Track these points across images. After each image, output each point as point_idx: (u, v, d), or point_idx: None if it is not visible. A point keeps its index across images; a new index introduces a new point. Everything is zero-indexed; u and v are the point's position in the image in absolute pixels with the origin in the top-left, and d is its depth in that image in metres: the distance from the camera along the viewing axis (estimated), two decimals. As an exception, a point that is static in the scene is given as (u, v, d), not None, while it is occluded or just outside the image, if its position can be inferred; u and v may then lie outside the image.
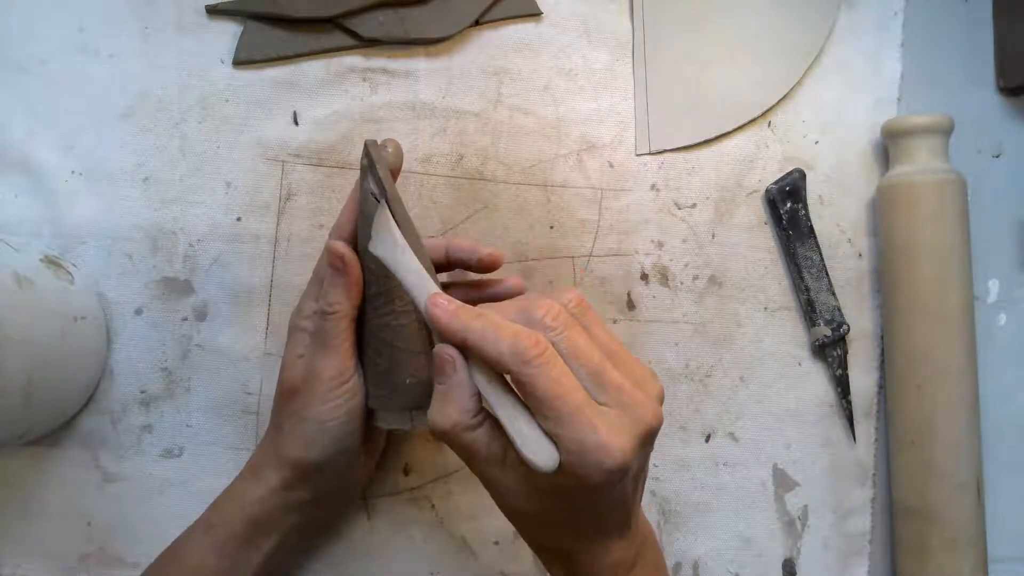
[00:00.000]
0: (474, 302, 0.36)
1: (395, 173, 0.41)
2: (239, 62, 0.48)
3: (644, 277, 0.50)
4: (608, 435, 0.30)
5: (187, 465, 0.47)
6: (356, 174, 0.41)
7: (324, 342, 0.39)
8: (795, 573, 0.50)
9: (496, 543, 0.48)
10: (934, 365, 0.47)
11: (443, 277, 0.45)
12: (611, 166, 0.50)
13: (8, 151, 0.46)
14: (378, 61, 0.49)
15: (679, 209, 0.51)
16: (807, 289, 0.50)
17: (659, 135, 0.50)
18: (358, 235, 0.39)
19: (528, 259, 0.49)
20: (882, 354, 0.51)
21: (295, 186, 0.48)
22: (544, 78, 0.50)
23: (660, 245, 0.50)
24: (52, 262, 0.44)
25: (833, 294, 0.50)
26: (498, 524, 0.47)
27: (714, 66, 0.51)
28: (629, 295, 0.50)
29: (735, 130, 0.51)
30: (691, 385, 0.50)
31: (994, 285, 0.52)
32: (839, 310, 0.50)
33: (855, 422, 0.51)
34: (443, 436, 0.33)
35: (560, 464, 0.31)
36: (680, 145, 0.51)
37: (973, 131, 0.52)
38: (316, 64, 0.48)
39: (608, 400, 0.31)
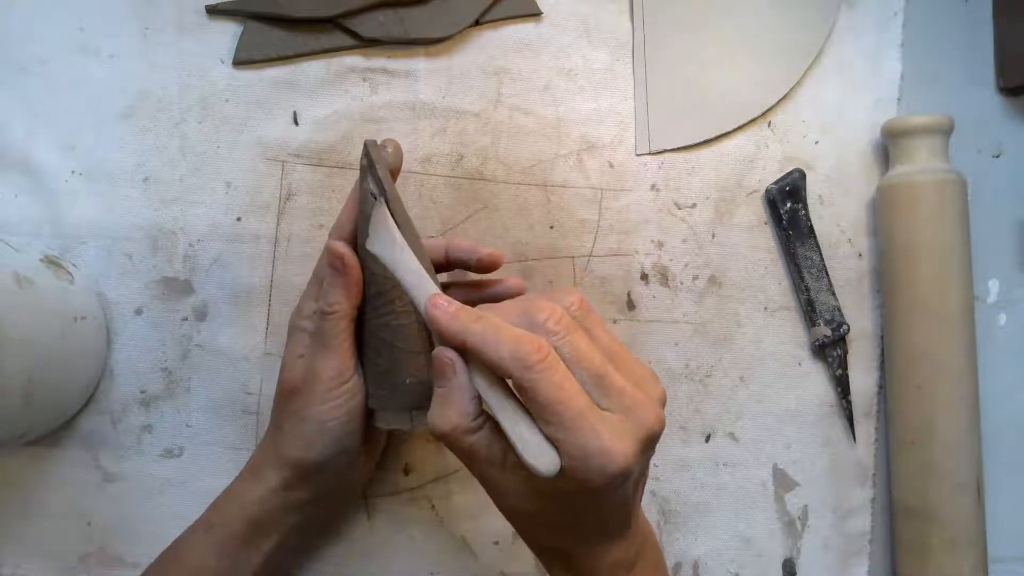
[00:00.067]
0: (474, 302, 0.35)
1: (395, 173, 0.41)
2: (239, 62, 0.48)
3: (644, 277, 0.50)
4: (611, 440, 0.30)
5: (187, 465, 0.47)
6: (356, 174, 0.41)
7: (324, 342, 0.39)
8: (795, 573, 0.50)
9: (496, 543, 0.48)
10: (934, 365, 0.47)
11: (443, 277, 0.45)
12: (611, 166, 0.50)
13: (8, 151, 0.46)
14: (378, 61, 0.49)
15: (679, 209, 0.51)
16: (807, 289, 0.50)
17: (659, 135, 0.50)
18: (358, 235, 0.39)
19: (528, 259, 0.49)
20: (882, 354, 0.51)
21: (295, 186, 0.48)
22: (544, 78, 0.50)
23: (660, 245, 0.50)
24: (52, 262, 0.44)
25: (833, 294, 0.50)
26: (498, 524, 0.47)
27: (714, 66, 0.51)
28: (629, 295, 0.50)
29: (735, 130, 0.51)
30: (691, 385, 0.50)
31: (994, 285, 0.52)
32: (839, 310, 0.50)
33: (855, 422, 0.51)
34: (443, 439, 0.33)
35: (562, 469, 0.31)
36: (680, 145, 0.51)
37: (973, 131, 0.52)
38: (316, 64, 0.48)
39: (610, 404, 0.31)
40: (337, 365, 0.39)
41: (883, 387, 0.51)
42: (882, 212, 0.50)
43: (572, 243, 0.50)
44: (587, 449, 0.30)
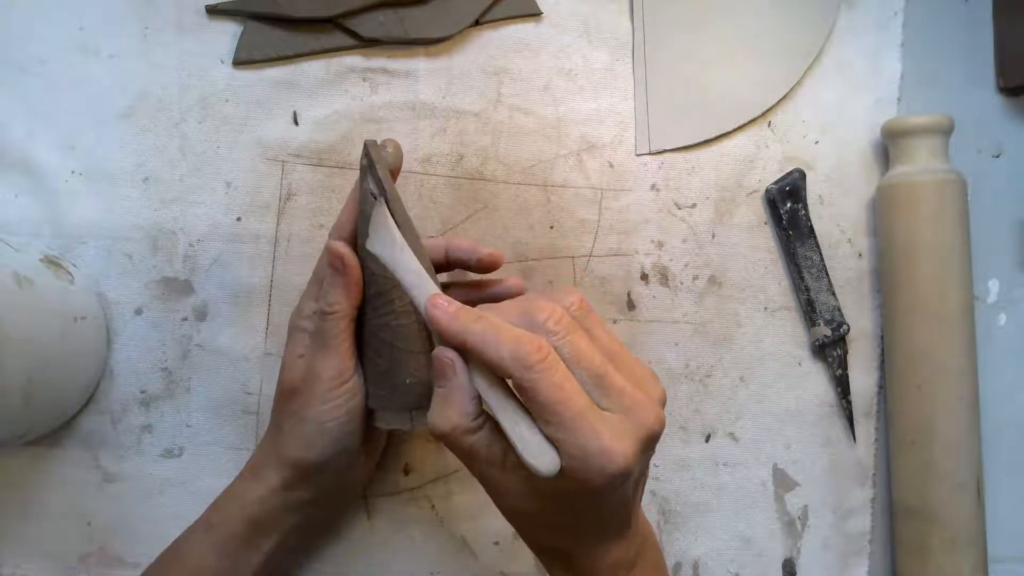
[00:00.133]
0: (474, 302, 0.35)
1: (395, 173, 0.41)
2: (239, 62, 0.48)
3: (644, 277, 0.50)
4: (610, 440, 0.30)
5: (187, 465, 0.47)
6: (356, 174, 0.41)
7: (324, 342, 0.39)
8: (795, 573, 0.50)
9: (496, 543, 0.48)
10: (934, 365, 0.47)
11: (443, 277, 0.45)
12: (611, 166, 0.50)
13: (8, 151, 0.46)
14: (378, 61, 0.49)
15: (679, 209, 0.51)
16: (807, 289, 0.50)
17: (659, 135, 0.50)
18: (358, 235, 0.39)
19: (528, 259, 0.49)
20: (882, 354, 0.51)
21: (295, 186, 0.48)
22: (544, 78, 0.50)
23: (660, 245, 0.50)
24: (52, 262, 0.44)
25: (833, 294, 0.50)
26: (498, 524, 0.47)
27: (714, 66, 0.51)
28: (629, 295, 0.50)
29: (735, 130, 0.51)
30: (691, 385, 0.50)
31: (994, 285, 0.52)
32: (839, 310, 0.50)
33: (855, 422, 0.51)
34: (443, 439, 0.33)
35: (561, 469, 0.31)
36: (680, 145, 0.51)
37: (973, 131, 0.52)
38: (316, 64, 0.48)
39: (610, 404, 0.31)
40: (337, 365, 0.39)
41: (883, 387, 0.51)
42: (882, 212, 0.50)
43: (572, 243, 0.50)
44: (587, 449, 0.30)
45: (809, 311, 0.50)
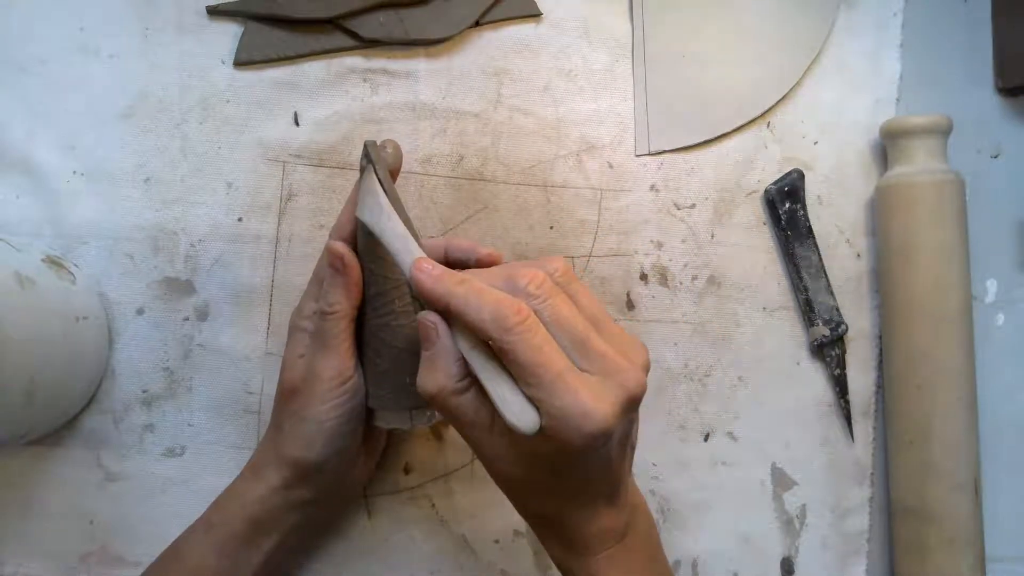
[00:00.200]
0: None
1: (395, 174, 0.41)
2: (240, 63, 0.48)
3: (643, 277, 0.50)
4: (589, 401, 0.31)
5: (189, 464, 0.47)
6: (356, 174, 0.41)
7: (324, 342, 0.39)
8: (793, 572, 0.50)
9: (496, 542, 0.48)
10: (932, 365, 0.47)
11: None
12: (611, 166, 0.50)
13: (9, 151, 0.46)
14: (378, 62, 0.49)
15: (678, 209, 0.51)
16: (806, 289, 0.50)
17: (658, 136, 0.50)
18: (358, 235, 0.40)
19: (528, 259, 0.49)
20: (880, 354, 0.51)
21: (296, 187, 0.48)
22: (544, 79, 0.50)
23: (659, 245, 0.50)
24: (54, 262, 0.44)
25: (831, 294, 0.50)
26: (498, 523, 0.47)
27: (713, 67, 0.51)
28: (628, 295, 0.50)
29: (734, 131, 0.51)
30: (690, 385, 0.50)
31: (992, 285, 0.52)
32: (837, 310, 0.50)
33: (853, 421, 0.51)
34: (431, 401, 0.34)
35: (542, 428, 0.31)
36: (679, 146, 0.51)
37: (972, 131, 0.52)
38: (317, 65, 0.48)
39: (591, 367, 0.32)
40: (337, 365, 0.39)
41: (881, 387, 0.51)
42: (881, 212, 0.50)
43: (572, 243, 0.50)
44: (566, 410, 0.30)
45: (808, 311, 0.50)
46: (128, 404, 0.47)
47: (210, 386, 0.47)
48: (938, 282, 0.47)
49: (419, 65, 0.49)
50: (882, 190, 0.50)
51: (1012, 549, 0.50)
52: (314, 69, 0.48)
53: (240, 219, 0.48)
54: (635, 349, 0.34)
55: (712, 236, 0.51)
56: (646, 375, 0.33)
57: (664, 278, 0.50)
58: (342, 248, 0.39)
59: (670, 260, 0.50)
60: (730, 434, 0.50)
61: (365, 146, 0.38)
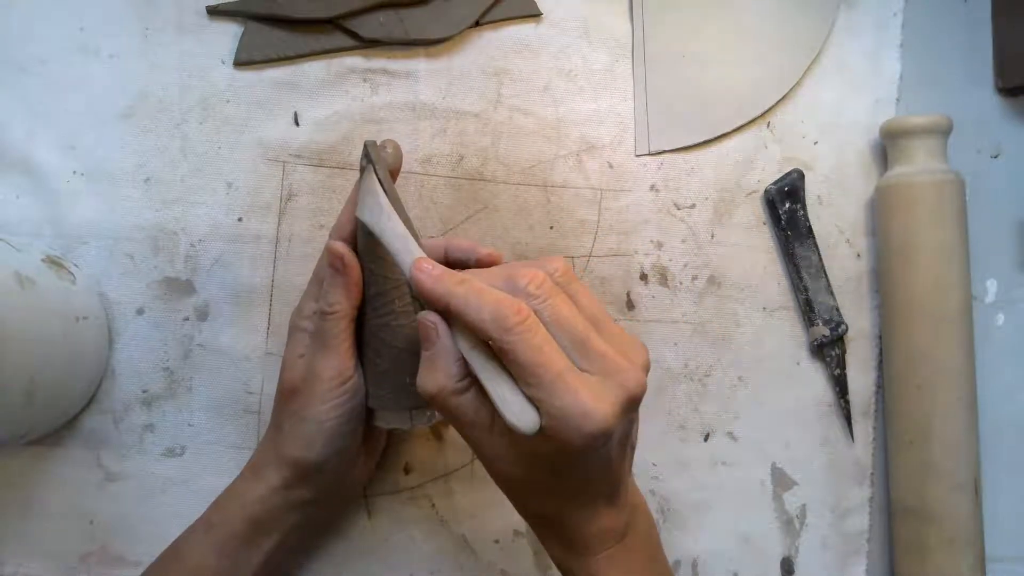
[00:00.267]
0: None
1: (394, 174, 0.41)
2: (240, 63, 0.48)
3: (643, 277, 0.50)
4: (589, 401, 0.31)
5: (189, 464, 0.47)
6: (356, 174, 0.41)
7: (324, 342, 0.39)
8: (793, 572, 0.50)
9: (496, 542, 0.48)
10: (932, 365, 0.47)
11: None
12: (611, 166, 0.50)
13: (9, 151, 0.46)
14: (378, 62, 0.49)
15: (678, 209, 0.51)
16: (806, 289, 0.50)
17: (658, 136, 0.50)
18: (358, 236, 0.40)
19: (528, 259, 0.49)
20: (880, 354, 0.51)
21: (296, 187, 0.48)
22: (544, 79, 0.50)
23: (659, 245, 0.50)
24: (54, 262, 0.44)
25: (831, 294, 0.51)
26: (498, 523, 0.47)
27: (713, 67, 0.51)
28: (628, 295, 0.50)
29: (734, 131, 0.51)
30: (690, 385, 0.50)
31: (992, 285, 0.52)
32: (837, 310, 0.50)
33: (853, 421, 0.51)
34: (431, 401, 0.34)
35: (542, 428, 0.31)
36: (679, 146, 0.51)
37: (972, 131, 0.52)
38: (317, 65, 0.48)
39: (591, 367, 0.32)
40: (337, 365, 0.39)
41: (881, 387, 0.51)
42: (881, 212, 0.50)
43: (572, 243, 0.50)
44: (566, 410, 0.30)
45: (808, 311, 0.50)
46: (128, 404, 0.47)
47: (210, 386, 0.47)
48: (938, 282, 0.47)
49: (419, 65, 0.49)
50: (882, 190, 0.50)
51: (1012, 549, 0.50)
52: (314, 69, 0.48)
53: (240, 219, 0.48)
54: (635, 349, 0.34)
55: (712, 236, 0.51)
56: (646, 375, 0.33)
57: (664, 278, 0.50)
58: (342, 248, 0.39)
59: (670, 260, 0.50)
60: (730, 434, 0.50)
61: (365, 146, 0.38)
